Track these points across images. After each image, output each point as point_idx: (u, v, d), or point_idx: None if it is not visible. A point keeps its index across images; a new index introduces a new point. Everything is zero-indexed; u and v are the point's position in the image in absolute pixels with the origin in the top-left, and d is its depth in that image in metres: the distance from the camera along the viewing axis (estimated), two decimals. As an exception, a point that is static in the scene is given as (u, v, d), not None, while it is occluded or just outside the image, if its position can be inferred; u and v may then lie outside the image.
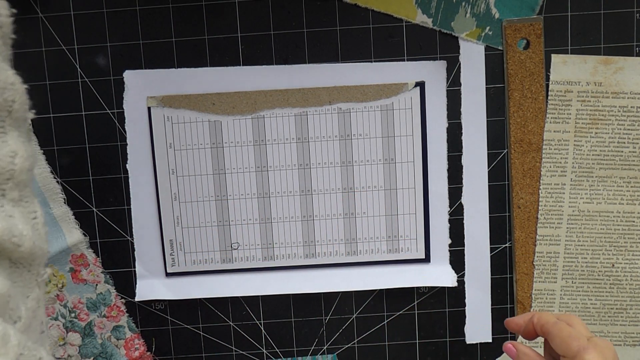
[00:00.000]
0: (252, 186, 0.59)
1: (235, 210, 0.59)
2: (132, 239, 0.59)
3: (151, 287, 0.60)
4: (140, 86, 0.57)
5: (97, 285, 0.60)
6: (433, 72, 0.57)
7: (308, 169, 0.58)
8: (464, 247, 0.59)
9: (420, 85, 0.57)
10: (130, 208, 0.59)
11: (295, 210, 0.59)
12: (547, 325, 0.42)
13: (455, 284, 0.59)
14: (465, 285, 0.60)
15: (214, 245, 0.60)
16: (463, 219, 0.59)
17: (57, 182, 0.58)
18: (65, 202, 0.59)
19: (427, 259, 0.60)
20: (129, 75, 0.57)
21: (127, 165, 0.58)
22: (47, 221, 0.58)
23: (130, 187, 0.59)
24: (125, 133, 0.58)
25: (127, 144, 0.58)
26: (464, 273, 0.60)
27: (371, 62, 0.57)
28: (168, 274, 0.60)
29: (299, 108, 0.57)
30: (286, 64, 0.57)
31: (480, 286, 0.60)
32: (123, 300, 0.60)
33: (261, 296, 0.60)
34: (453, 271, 0.60)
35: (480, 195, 0.59)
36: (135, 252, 0.59)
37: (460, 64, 0.57)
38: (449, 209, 0.59)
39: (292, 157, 0.58)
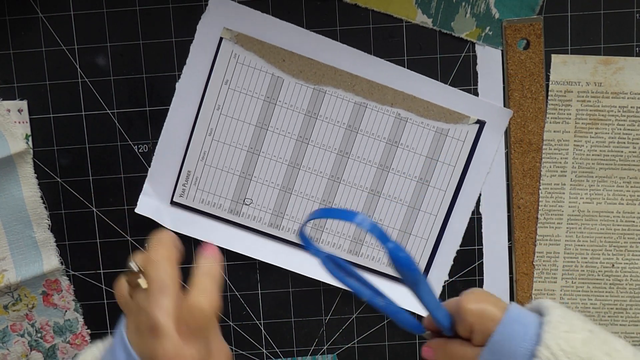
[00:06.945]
0: (288, 152, 0.58)
1: (262, 168, 0.58)
2: (131, 237, 0.59)
3: (151, 207, 0.58)
4: (221, 14, 0.56)
5: (66, 311, 0.60)
6: (496, 116, 0.57)
7: (345, 158, 0.58)
8: (464, 247, 0.59)
9: (481, 123, 0.57)
10: (130, 208, 0.59)
11: (318, 192, 0.58)
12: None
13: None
14: (465, 285, 0.60)
15: (228, 193, 0.59)
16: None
17: (45, 207, 0.58)
18: (49, 229, 0.59)
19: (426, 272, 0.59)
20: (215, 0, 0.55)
21: (176, 84, 0.57)
22: (29, 244, 0.58)
23: (171, 104, 0.57)
24: (188, 54, 0.56)
25: (185, 64, 0.57)
26: (464, 273, 0.60)
27: (439, 82, 0.56)
28: (173, 202, 0.59)
29: (361, 98, 0.57)
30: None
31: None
32: (89, 330, 0.60)
33: (261, 296, 0.60)
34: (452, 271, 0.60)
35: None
36: (147, 172, 0.58)
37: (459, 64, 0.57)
38: (460, 240, 0.59)
39: (336, 141, 0.58)
